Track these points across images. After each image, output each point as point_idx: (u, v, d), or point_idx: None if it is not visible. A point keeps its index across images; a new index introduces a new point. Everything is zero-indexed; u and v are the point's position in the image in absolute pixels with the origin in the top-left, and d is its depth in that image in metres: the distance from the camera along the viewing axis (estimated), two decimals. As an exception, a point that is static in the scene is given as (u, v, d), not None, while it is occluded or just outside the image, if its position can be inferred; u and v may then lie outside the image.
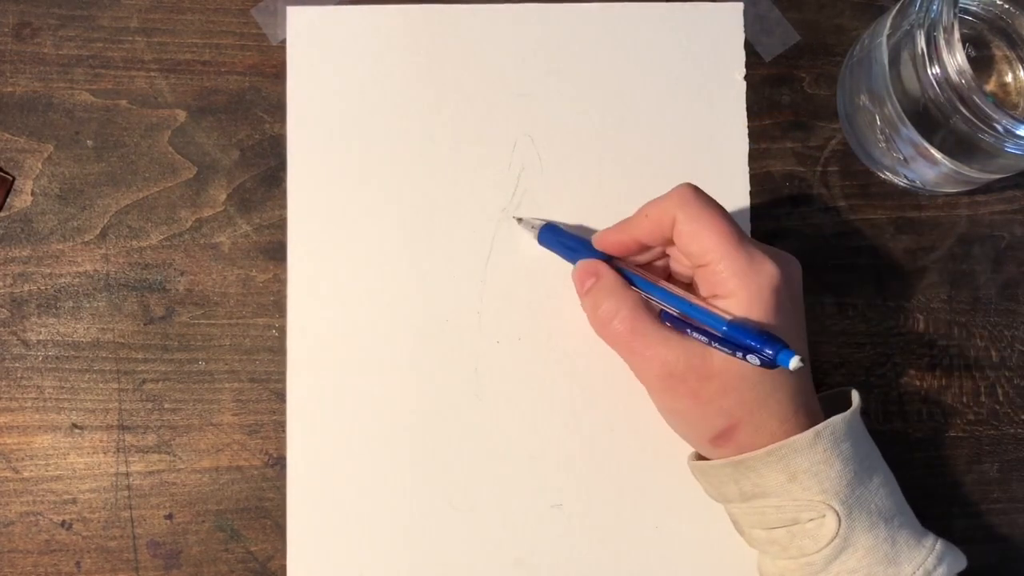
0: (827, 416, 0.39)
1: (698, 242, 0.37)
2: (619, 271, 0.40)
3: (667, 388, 0.38)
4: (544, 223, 0.44)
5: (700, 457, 0.41)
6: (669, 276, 0.42)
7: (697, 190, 0.38)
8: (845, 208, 0.47)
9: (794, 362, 0.33)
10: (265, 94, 0.46)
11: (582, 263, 0.42)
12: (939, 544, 0.38)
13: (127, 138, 0.46)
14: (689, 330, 0.37)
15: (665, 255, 0.42)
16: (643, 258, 0.42)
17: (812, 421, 0.38)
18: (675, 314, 0.38)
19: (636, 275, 0.40)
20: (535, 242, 0.45)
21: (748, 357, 0.35)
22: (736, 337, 0.35)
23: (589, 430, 0.45)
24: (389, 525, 0.44)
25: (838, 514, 0.37)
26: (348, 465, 0.44)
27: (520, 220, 0.45)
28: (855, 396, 0.39)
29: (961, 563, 0.38)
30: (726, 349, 0.35)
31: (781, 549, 0.38)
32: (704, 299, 0.38)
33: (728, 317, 0.36)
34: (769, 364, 0.34)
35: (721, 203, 0.39)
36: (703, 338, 0.36)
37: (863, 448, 0.38)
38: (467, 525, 0.44)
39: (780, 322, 0.36)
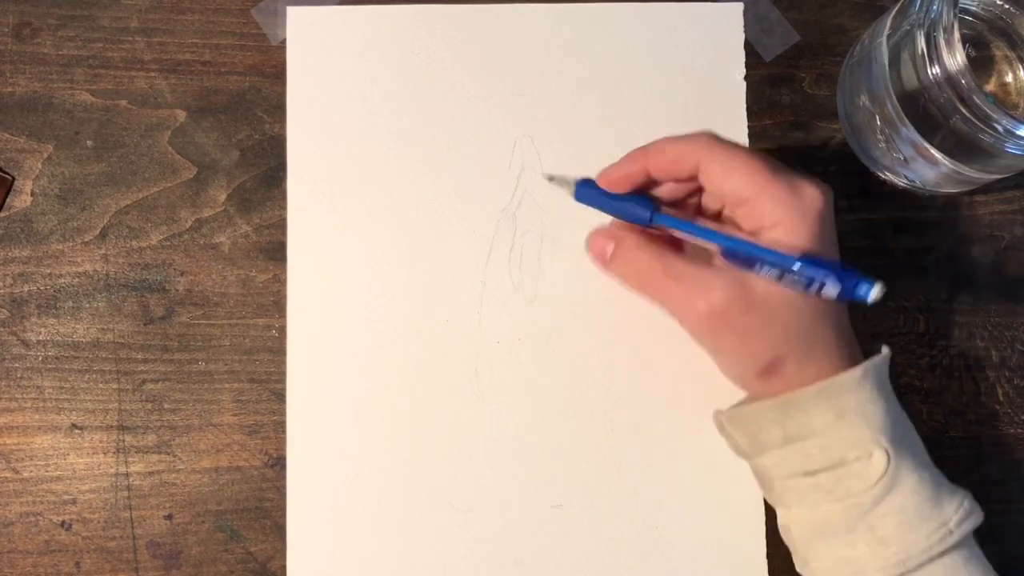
0: None
1: (732, 181, 0.37)
2: (672, 223, 0.39)
3: (710, 328, 0.38)
4: (579, 179, 0.41)
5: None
6: (699, 211, 0.41)
7: (719, 136, 0.38)
8: (845, 208, 0.47)
9: (876, 291, 0.32)
10: (265, 94, 0.46)
11: (592, 234, 0.41)
12: (968, 493, 0.39)
13: (127, 138, 0.46)
14: (758, 266, 0.36)
15: (699, 190, 0.41)
16: (672, 194, 0.41)
17: (855, 350, 0.39)
18: (742, 256, 0.37)
19: (691, 224, 0.39)
20: (570, 199, 0.42)
21: (824, 290, 0.34)
22: (811, 273, 0.34)
23: (589, 430, 0.45)
24: (389, 525, 0.44)
25: (887, 452, 0.37)
26: (348, 465, 0.44)
27: (552, 178, 0.42)
28: (885, 348, 0.39)
29: (981, 517, 0.39)
30: (798, 285, 0.35)
31: (826, 493, 0.38)
32: (751, 235, 0.37)
33: (796, 253, 0.35)
34: (848, 296, 0.33)
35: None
36: (773, 273, 0.36)
37: (895, 397, 0.39)
38: (467, 525, 0.44)
39: (827, 247, 0.37)
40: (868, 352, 0.40)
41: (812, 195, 0.37)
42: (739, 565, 0.44)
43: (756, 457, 0.40)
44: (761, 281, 0.37)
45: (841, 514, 0.38)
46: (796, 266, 0.35)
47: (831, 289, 0.34)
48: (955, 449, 0.46)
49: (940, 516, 0.37)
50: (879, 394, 0.37)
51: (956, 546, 0.37)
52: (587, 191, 0.41)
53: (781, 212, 0.37)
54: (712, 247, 0.39)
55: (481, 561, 0.44)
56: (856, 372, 0.37)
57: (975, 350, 0.47)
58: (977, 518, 0.38)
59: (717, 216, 0.41)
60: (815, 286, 0.34)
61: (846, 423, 0.37)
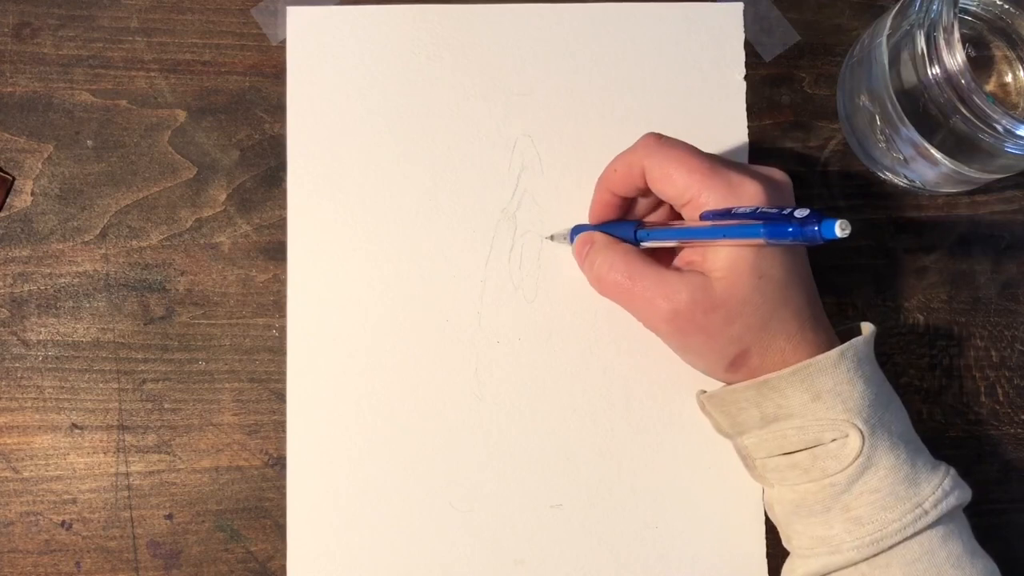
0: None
1: (672, 184, 0.38)
2: (645, 232, 0.41)
3: (676, 328, 0.38)
4: (572, 228, 0.44)
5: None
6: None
7: (660, 136, 0.39)
8: (845, 208, 0.47)
9: (840, 228, 0.32)
10: (265, 94, 0.46)
11: (578, 236, 0.43)
12: (952, 471, 0.39)
13: (127, 138, 0.46)
14: (735, 240, 0.36)
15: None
16: (652, 208, 0.43)
17: (822, 336, 0.39)
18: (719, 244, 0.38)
19: (666, 230, 0.40)
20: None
21: (795, 239, 0.34)
22: (778, 233, 0.34)
23: (589, 430, 0.45)
24: (389, 525, 0.44)
25: (862, 433, 0.37)
26: (348, 465, 0.44)
27: (552, 237, 0.45)
28: (869, 326, 0.40)
29: (968, 494, 0.39)
30: (772, 241, 0.35)
31: (802, 473, 0.38)
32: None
33: (759, 222, 0.35)
34: (816, 238, 0.33)
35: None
36: (756, 241, 0.36)
37: (879, 375, 0.39)
38: (467, 525, 0.44)
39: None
40: (854, 331, 0.41)
41: (752, 192, 0.37)
42: (739, 565, 0.44)
43: (737, 437, 0.41)
44: (721, 283, 0.37)
45: (817, 493, 0.38)
46: (761, 231, 0.35)
47: (799, 230, 0.33)
48: (955, 449, 0.46)
49: (915, 497, 0.37)
50: (857, 375, 0.38)
51: (933, 525, 0.37)
52: (581, 233, 0.43)
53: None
54: (695, 244, 0.39)
55: (481, 561, 0.44)
56: (832, 354, 0.37)
57: (975, 350, 0.47)
58: (960, 496, 0.38)
59: None
60: (789, 239, 0.34)
61: (822, 404, 0.37)
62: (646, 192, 0.41)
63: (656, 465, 0.45)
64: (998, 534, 0.46)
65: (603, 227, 0.42)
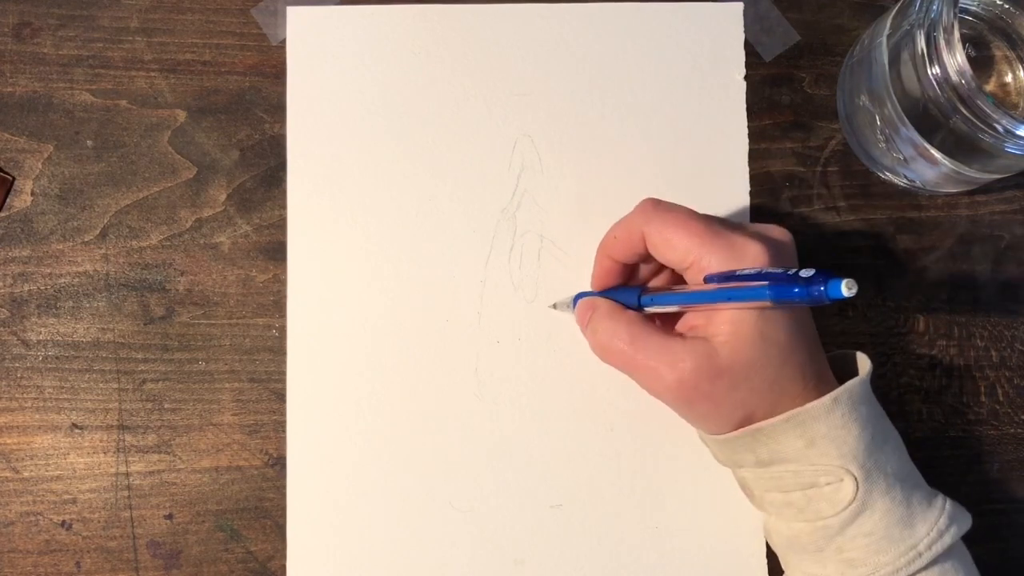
0: (836, 378, 0.39)
1: (673, 249, 0.38)
2: (649, 298, 0.40)
3: (681, 397, 0.38)
4: (575, 295, 0.44)
5: None
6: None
7: (658, 201, 0.39)
8: (845, 208, 0.47)
9: (846, 288, 0.31)
10: (265, 94, 0.46)
11: (580, 301, 0.42)
12: (948, 504, 0.39)
13: (127, 138, 0.46)
14: (743, 302, 0.36)
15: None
16: (659, 280, 0.42)
17: (824, 389, 0.38)
18: (722, 308, 0.37)
19: (669, 295, 0.39)
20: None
21: (801, 300, 0.33)
22: (784, 294, 0.33)
23: (589, 430, 0.45)
24: (389, 525, 0.44)
25: (856, 478, 0.37)
26: (348, 465, 0.44)
27: (555, 306, 0.45)
28: (866, 360, 0.39)
29: (968, 523, 0.39)
30: (778, 302, 0.34)
31: (797, 512, 0.38)
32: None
33: (764, 283, 0.34)
34: (822, 299, 0.32)
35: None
36: (762, 303, 0.35)
37: (876, 412, 0.39)
38: (467, 525, 0.44)
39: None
40: (848, 357, 0.40)
41: (754, 253, 0.37)
42: (739, 565, 0.44)
43: (736, 469, 0.41)
44: (726, 347, 0.37)
45: (811, 533, 0.38)
46: (767, 295, 0.34)
47: (803, 291, 0.33)
48: (955, 449, 0.46)
49: (910, 539, 0.37)
50: (851, 419, 0.37)
51: (928, 566, 0.37)
52: (583, 299, 0.43)
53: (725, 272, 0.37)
54: (700, 308, 0.39)
55: (481, 561, 0.44)
56: (825, 401, 0.37)
57: (975, 350, 0.47)
58: (956, 532, 0.38)
59: None
60: (795, 300, 0.34)
61: (816, 450, 0.37)
62: (647, 258, 0.40)
63: (656, 465, 0.45)
64: (998, 534, 0.46)
65: (606, 293, 0.42)
